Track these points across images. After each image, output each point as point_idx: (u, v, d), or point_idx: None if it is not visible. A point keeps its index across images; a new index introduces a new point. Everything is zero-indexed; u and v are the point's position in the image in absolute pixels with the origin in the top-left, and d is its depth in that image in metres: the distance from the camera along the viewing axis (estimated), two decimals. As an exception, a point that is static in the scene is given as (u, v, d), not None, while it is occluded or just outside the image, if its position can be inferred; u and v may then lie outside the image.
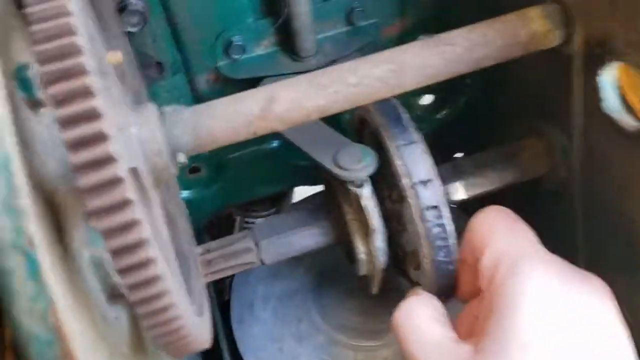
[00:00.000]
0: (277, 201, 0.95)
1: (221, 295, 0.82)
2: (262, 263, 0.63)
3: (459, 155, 0.89)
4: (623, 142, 0.55)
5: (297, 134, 0.59)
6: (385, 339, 0.72)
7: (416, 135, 0.56)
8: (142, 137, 0.46)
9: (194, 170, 0.79)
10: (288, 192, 0.95)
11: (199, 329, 0.45)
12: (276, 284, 0.78)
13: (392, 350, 0.71)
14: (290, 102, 0.50)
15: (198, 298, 0.54)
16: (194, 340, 0.42)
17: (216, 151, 0.77)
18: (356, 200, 0.58)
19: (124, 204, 0.32)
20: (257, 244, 0.62)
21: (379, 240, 0.59)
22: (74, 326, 0.34)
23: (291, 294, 0.77)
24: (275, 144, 0.79)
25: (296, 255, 0.64)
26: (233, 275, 0.81)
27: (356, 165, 0.55)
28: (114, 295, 0.42)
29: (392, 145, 0.55)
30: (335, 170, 0.56)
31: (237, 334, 0.74)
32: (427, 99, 0.84)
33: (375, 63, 0.51)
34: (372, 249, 0.59)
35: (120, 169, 0.32)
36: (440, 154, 0.94)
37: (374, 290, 0.66)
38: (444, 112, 0.85)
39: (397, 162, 0.54)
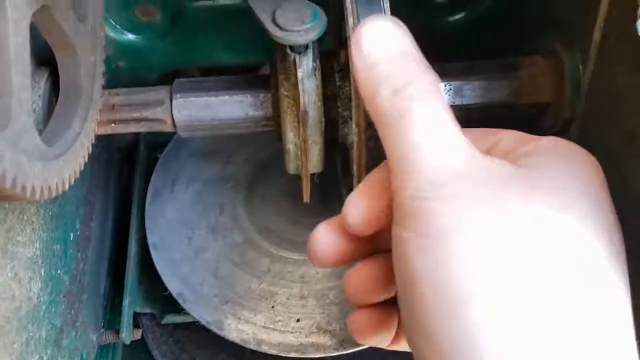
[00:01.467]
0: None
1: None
2: (174, 126, 0.51)
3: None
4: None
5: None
6: (310, 254, 0.61)
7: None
8: None
9: (146, 13, 0.67)
10: (263, 68, 0.82)
11: (27, 177, 0.35)
12: (207, 165, 0.67)
13: (313, 269, 0.60)
14: None
15: (61, 140, 0.44)
16: (5, 183, 0.33)
17: (175, -4, 0.67)
18: (294, 72, 0.46)
19: None
20: (171, 99, 0.51)
21: (312, 129, 0.47)
22: None
23: (221, 180, 0.66)
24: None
25: (214, 124, 0.52)
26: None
27: (298, 26, 0.43)
28: None
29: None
30: (270, 28, 0.43)
31: (148, 209, 0.65)
32: (442, -6, 0.69)
33: None
34: (302, 138, 0.47)
35: None
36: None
37: (305, 196, 0.54)
38: (461, 14, 0.71)
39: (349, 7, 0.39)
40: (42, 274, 0.50)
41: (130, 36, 0.68)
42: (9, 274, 0.44)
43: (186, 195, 0.65)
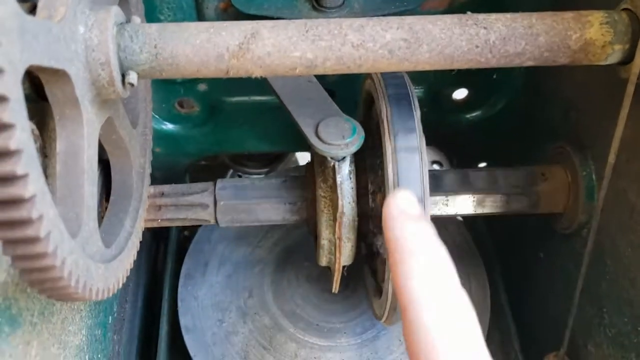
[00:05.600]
0: (274, 161, 0.87)
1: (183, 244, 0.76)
2: (217, 223, 0.55)
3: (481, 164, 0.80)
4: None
5: (286, 88, 0.50)
6: (335, 341, 0.64)
7: (420, 142, 0.47)
8: (89, 41, 0.39)
9: (184, 105, 0.72)
10: (287, 155, 0.87)
11: (93, 280, 0.39)
12: (238, 248, 0.71)
13: (338, 356, 0.63)
14: (273, 45, 0.41)
15: (116, 240, 0.47)
16: (78, 289, 0.36)
17: (213, 91, 0.71)
18: (332, 176, 0.50)
19: None
20: (215, 203, 0.55)
21: (346, 227, 0.50)
22: None
23: (250, 263, 0.69)
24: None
25: (255, 225, 0.56)
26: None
27: (338, 140, 0.47)
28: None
29: (389, 145, 0.46)
30: (314, 141, 0.47)
31: (181, 291, 0.67)
32: (461, 93, 0.74)
33: (388, 26, 0.42)
34: (337, 236, 0.51)
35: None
36: (458, 158, 0.85)
37: (334, 288, 0.58)
38: (476, 112, 0.75)
39: (389, 168, 0.45)
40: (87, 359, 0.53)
41: (169, 126, 0.73)
42: (61, 361, 0.47)
43: (217, 279, 0.68)
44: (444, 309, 0.32)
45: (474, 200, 0.55)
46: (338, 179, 0.49)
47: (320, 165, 0.52)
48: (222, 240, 0.71)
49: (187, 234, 0.80)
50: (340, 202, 0.50)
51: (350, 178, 0.51)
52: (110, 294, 0.43)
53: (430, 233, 0.35)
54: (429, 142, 0.83)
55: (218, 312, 0.66)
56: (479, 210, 0.55)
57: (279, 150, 0.81)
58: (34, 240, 0.30)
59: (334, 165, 0.50)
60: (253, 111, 0.71)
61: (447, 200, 0.54)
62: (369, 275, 0.59)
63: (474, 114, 0.75)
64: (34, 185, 0.28)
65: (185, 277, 0.69)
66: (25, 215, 0.29)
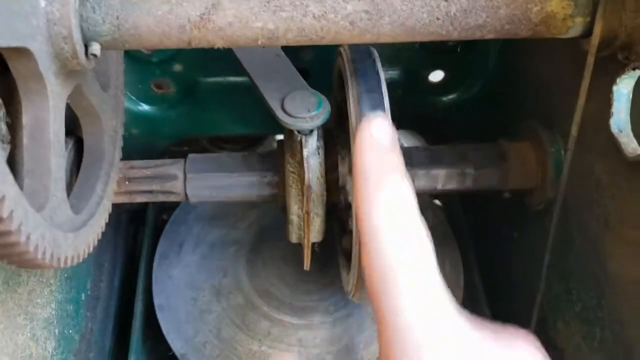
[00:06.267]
0: (253, 145, 0.87)
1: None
2: (186, 198, 0.55)
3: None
4: (622, 171, 0.46)
5: (254, 63, 0.51)
6: (308, 319, 0.64)
7: (383, 88, 0.47)
8: (50, 15, 0.39)
9: (160, 86, 0.72)
10: (267, 138, 0.87)
11: (61, 249, 0.39)
12: (213, 229, 0.71)
13: (311, 334, 0.63)
14: (234, 16, 0.42)
15: (86, 206, 0.47)
16: (45, 260, 0.37)
17: (189, 71, 0.71)
18: (299, 151, 0.50)
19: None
20: (185, 176, 0.55)
21: (314, 202, 0.51)
22: None
23: (225, 243, 0.70)
24: (255, 80, 0.72)
25: (225, 200, 0.56)
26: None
27: (304, 113, 0.47)
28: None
29: (353, 90, 0.46)
30: (279, 114, 0.48)
31: (156, 270, 0.68)
32: (437, 75, 0.74)
33: (350, -2, 0.42)
34: (305, 210, 0.51)
35: None
36: (435, 141, 0.85)
37: (306, 265, 0.58)
38: (453, 95, 0.76)
39: (352, 107, 0.45)
40: (56, 333, 0.53)
41: (145, 107, 0.73)
42: (28, 334, 0.47)
43: (192, 258, 0.69)
44: (402, 237, 0.33)
45: (443, 175, 0.55)
46: (305, 153, 0.50)
47: (289, 140, 0.52)
48: (198, 221, 0.72)
49: (165, 218, 0.80)
50: (306, 176, 0.50)
51: (319, 153, 0.51)
52: (81, 260, 0.44)
53: (397, 166, 0.35)
54: (406, 126, 0.84)
55: (192, 291, 0.66)
56: (448, 186, 0.55)
57: (256, 132, 0.81)
58: None
59: (301, 140, 0.50)
60: (229, 92, 0.72)
61: (416, 175, 0.54)
62: (340, 252, 0.60)
63: (450, 97, 0.76)
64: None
65: (160, 257, 0.69)
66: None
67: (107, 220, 0.51)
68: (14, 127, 0.44)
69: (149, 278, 0.68)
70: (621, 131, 0.45)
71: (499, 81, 0.70)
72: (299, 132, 0.49)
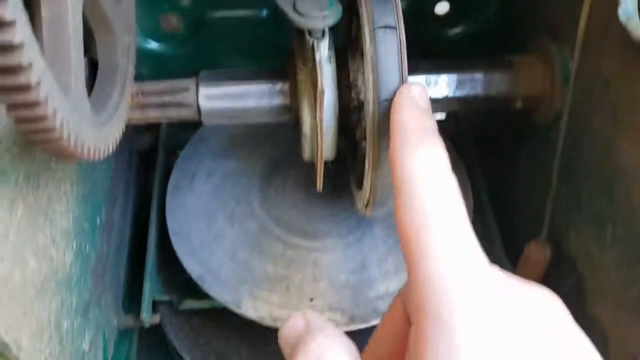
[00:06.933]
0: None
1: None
2: (198, 111, 0.56)
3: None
4: (631, 58, 0.46)
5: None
6: (321, 242, 0.65)
7: (398, 22, 0.48)
8: None
9: (169, 22, 0.72)
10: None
11: (85, 139, 0.40)
12: (225, 161, 0.71)
13: (324, 255, 0.64)
14: None
15: (104, 111, 0.48)
16: (70, 142, 0.37)
17: (197, 5, 0.72)
18: (312, 56, 0.50)
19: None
20: (197, 86, 0.56)
21: (327, 111, 0.51)
22: None
23: (237, 174, 0.70)
24: (264, 13, 0.72)
25: (238, 113, 0.57)
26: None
27: (316, 12, 0.48)
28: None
29: (367, 24, 0.47)
30: (291, 15, 0.48)
31: (169, 200, 0.68)
32: (443, 7, 0.75)
33: None
34: (319, 118, 0.52)
35: None
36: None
37: (318, 183, 0.58)
38: (458, 28, 0.76)
39: (367, 44, 0.46)
40: (74, 247, 0.54)
41: (153, 44, 0.74)
42: (49, 237, 0.48)
43: (205, 188, 0.69)
44: (437, 189, 0.35)
45: (454, 80, 0.56)
46: (317, 57, 0.50)
47: (300, 48, 0.53)
48: (209, 155, 0.72)
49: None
50: (320, 81, 0.50)
51: (330, 62, 0.52)
52: (102, 156, 0.44)
53: (434, 128, 0.39)
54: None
55: (206, 219, 0.67)
56: (458, 93, 0.56)
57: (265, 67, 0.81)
58: (25, 87, 0.31)
59: (312, 44, 0.50)
60: (237, 26, 0.72)
61: (428, 82, 0.55)
62: (351, 169, 0.60)
63: (456, 30, 0.76)
64: (21, 33, 0.29)
65: (173, 188, 0.70)
66: (16, 61, 0.29)
67: (124, 129, 0.51)
68: (32, 21, 0.44)
69: (162, 207, 0.68)
70: (629, 18, 0.46)
71: (505, 13, 0.71)
72: (310, 35, 0.50)
